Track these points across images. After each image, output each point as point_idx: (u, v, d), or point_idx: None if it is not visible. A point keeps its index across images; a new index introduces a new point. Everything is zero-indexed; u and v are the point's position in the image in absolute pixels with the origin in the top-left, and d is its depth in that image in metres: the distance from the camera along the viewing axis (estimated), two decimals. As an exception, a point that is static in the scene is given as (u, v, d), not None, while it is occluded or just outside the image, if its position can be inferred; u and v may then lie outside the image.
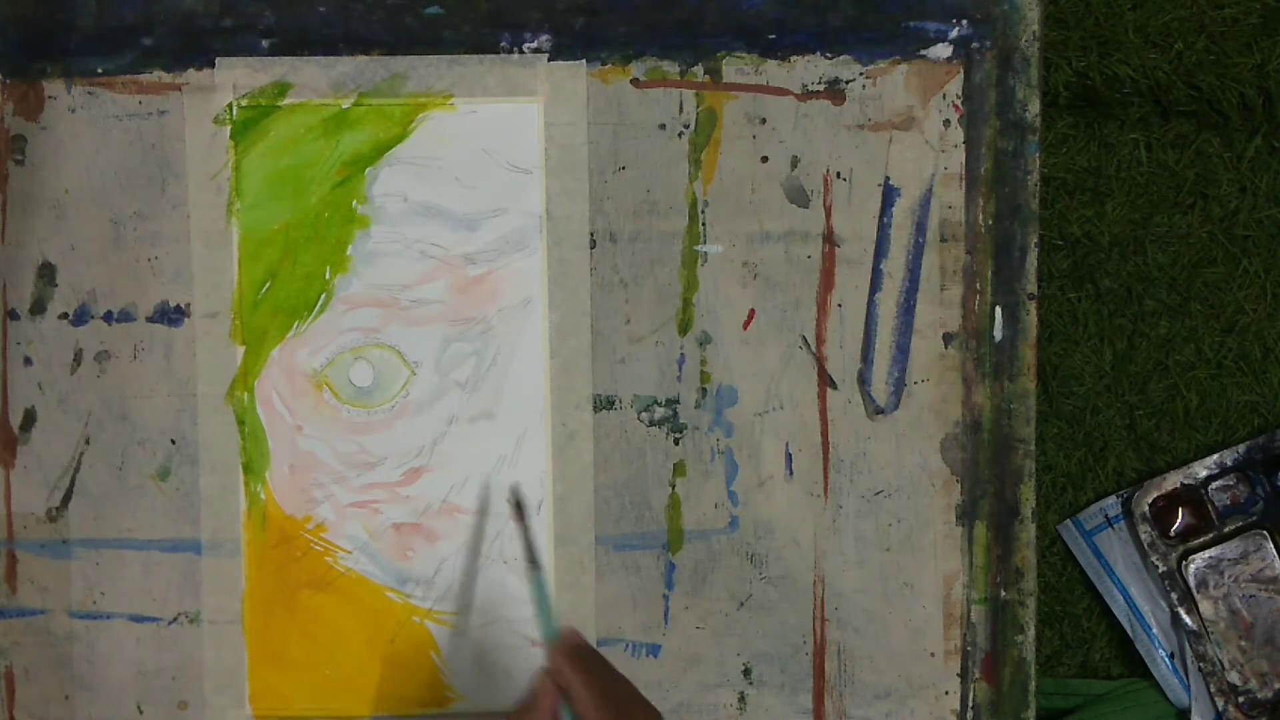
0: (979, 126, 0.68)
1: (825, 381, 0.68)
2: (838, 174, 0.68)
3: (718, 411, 0.68)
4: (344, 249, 0.67)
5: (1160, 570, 1.07)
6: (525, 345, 0.67)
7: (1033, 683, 0.69)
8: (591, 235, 0.68)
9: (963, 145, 0.68)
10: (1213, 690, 1.07)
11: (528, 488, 0.67)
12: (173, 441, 0.68)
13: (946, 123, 0.67)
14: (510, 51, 0.67)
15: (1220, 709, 1.07)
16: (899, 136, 0.68)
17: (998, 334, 0.68)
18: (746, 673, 0.69)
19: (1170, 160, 1.12)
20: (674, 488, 0.68)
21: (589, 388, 0.68)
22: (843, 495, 0.68)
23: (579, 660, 0.54)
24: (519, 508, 0.64)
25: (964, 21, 0.67)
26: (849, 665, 0.68)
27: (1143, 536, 1.07)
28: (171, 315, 0.67)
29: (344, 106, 0.67)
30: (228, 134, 0.67)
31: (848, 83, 0.67)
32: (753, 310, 0.68)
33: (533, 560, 0.61)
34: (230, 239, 0.67)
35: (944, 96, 0.67)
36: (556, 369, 0.67)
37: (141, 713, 0.68)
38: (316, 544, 0.68)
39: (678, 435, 0.68)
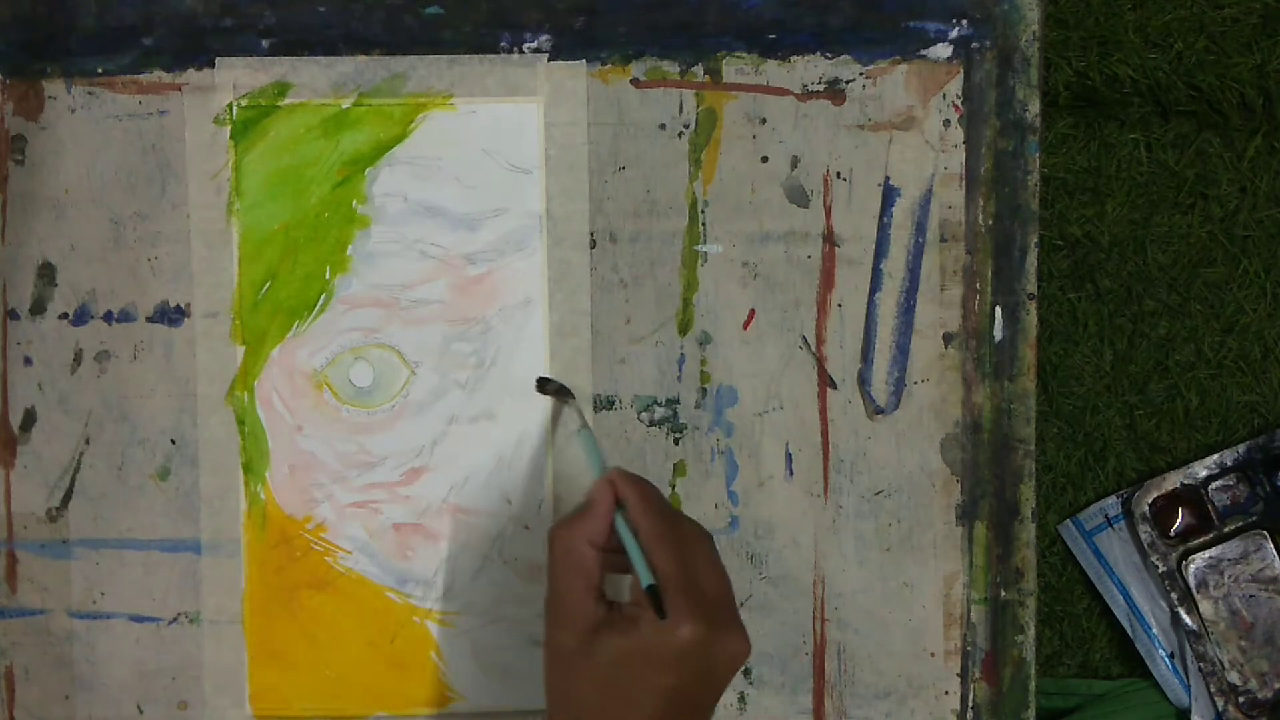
0: (979, 126, 0.68)
1: (825, 381, 0.68)
2: (838, 174, 0.68)
3: (718, 411, 0.68)
4: (344, 249, 0.67)
5: (1160, 570, 1.07)
6: (525, 345, 0.67)
7: (1033, 683, 0.69)
8: (591, 235, 0.68)
9: (963, 145, 0.68)
10: (1213, 690, 1.07)
11: (528, 487, 0.67)
12: (173, 441, 0.68)
13: (946, 123, 0.67)
14: (510, 51, 0.67)
15: (1220, 709, 1.07)
16: (899, 136, 0.68)
17: (998, 334, 0.68)
18: (746, 673, 0.69)
19: (1170, 160, 1.12)
20: (674, 488, 0.68)
21: (589, 388, 0.68)
22: (843, 495, 0.68)
23: (634, 479, 0.57)
24: (561, 390, 0.67)
25: (964, 21, 0.67)
26: (849, 665, 0.68)
27: (1143, 536, 1.07)
28: (171, 315, 0.67)
29: (344, 106, 0.67)
30: (228, 134, 0.67)
31: (848, 83, 0.67)
32: (753, 310, 0.68)
33: (584, 425, 0.65)
34: (230, 239, 0.67)
35: (944, 96, 0.67)
36: (556, 369, 0.67)
37: (141, 713, 0.68)
38: (316, 544, 0.68)
39: (678, 435, 0.68)
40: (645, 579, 0.54)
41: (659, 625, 0.52)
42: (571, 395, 0.67)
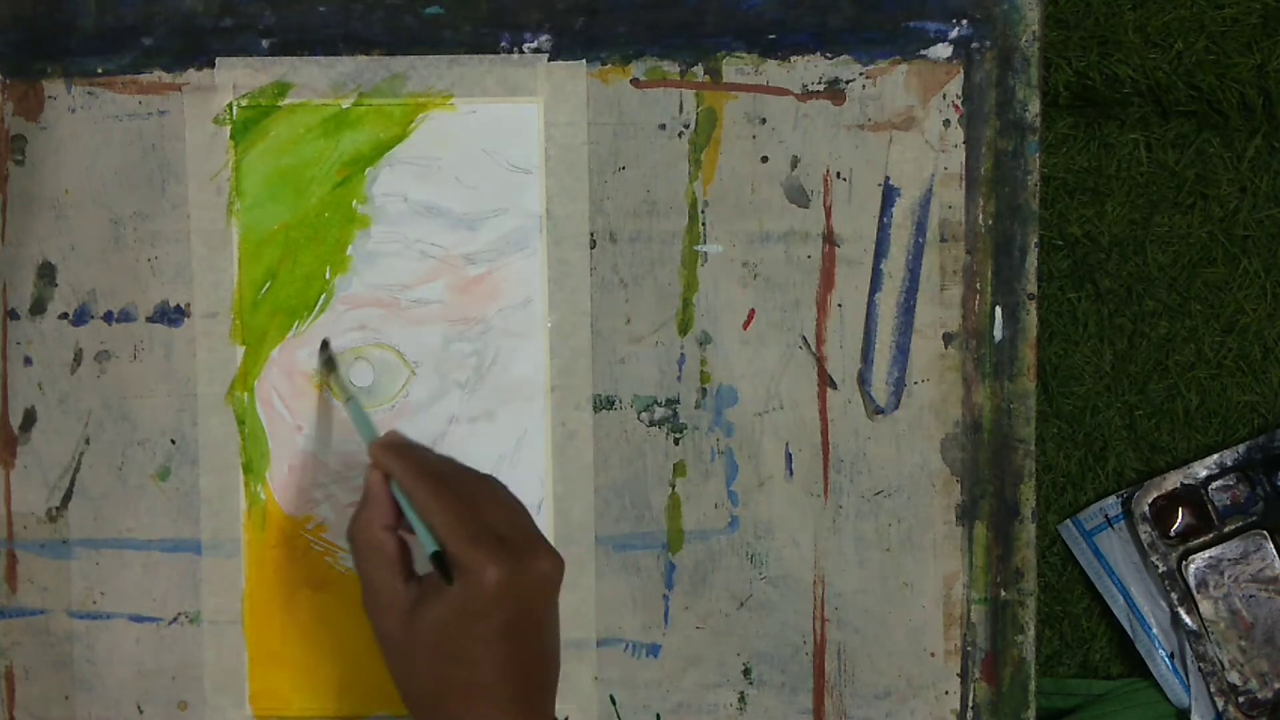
0: (979, 126, 0.68)
1: (825, 381, 0.68)
2: (838, 174, 0.68)
3: (718, 411, 0.68)
4: (344, 249, 0.67)
5: (1160, 570, 1.07)
6: (525, 345, 0.67)
7: (1033, 683, 0.69)
8: (591, 235, 0.68)
9: (963, 145, 0.68)
10: (1213, 690, 1.07)
11: (528, 487, 0.67)
12: (173, 441, 0.68)
13: (946, 123, 0.67)
14: (510, 51, 0.67)
15: (1220, 709, 1.07)
16: (899, 136, 0.68)
17: (998, 334, 0.68)
18: (746, 673, 0.69)
19: (1170, 160, 1.11)
20: (674, 488, 0.68)
21: (589, 388, 0.68)
22: (843, 495, 0.68)
23: (396, 447, 0.58)
24: (330, 361, 0.66)
25: (964, 21, 0.67)
26: (849, 665, 0.68)
27: (1143, 536, 1.07)
28: (171, 315, 0.67)
29: (344, 106, 0.67)
30: (228, 134, 0.67)
31: (848, 83, 0.67)
32: (753, 310, 0.68)
33: (348, 397, 0.64)
34: (230, 239, 0.67)
35: (944, 96, 0.67)
36: (556, 369, 0.67)
37: (141, 713, 0.68)
38: (316, 544, 0.68)
39: (678, 435, 0.68)
40: (428, 546, 0.54)
41: (464, 581, 0.53)
42: (335, 366, 0.66)
